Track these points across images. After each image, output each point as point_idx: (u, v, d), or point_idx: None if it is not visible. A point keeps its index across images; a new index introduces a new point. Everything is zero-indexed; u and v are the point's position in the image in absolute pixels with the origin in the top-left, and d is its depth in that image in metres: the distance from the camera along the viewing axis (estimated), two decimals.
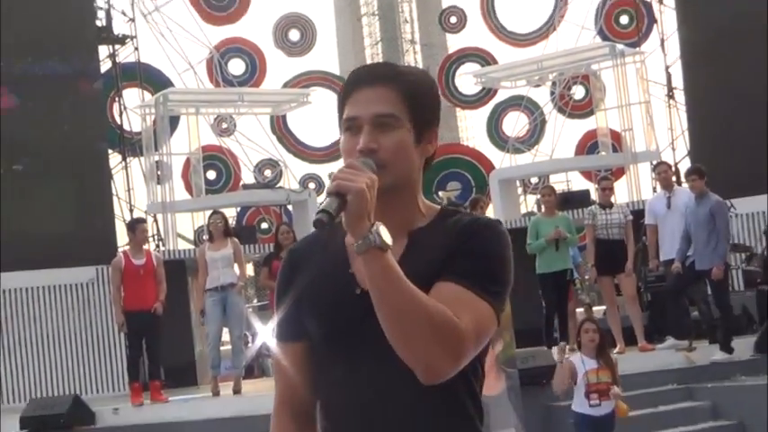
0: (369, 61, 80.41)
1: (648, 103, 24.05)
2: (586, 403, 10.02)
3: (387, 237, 2.64)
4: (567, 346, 13.75)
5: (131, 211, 24.76)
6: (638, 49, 24.94)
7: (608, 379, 10.02)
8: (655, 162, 20.62)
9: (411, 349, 2.69)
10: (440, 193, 26.97)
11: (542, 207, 15.51)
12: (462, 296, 2.75)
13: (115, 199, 23.17)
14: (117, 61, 25.54)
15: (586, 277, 18.02)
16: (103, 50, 24.43)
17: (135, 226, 15.08)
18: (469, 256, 2.81)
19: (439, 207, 3.02)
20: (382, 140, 2.84)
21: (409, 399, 2.82)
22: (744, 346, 13.58)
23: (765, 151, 17.51)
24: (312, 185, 27.55)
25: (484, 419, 2.92)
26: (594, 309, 30.13)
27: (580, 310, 18.24)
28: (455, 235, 2.86)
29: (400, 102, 2.87)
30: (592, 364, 10.05)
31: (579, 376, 10.04)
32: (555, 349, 14.11)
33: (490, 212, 19.72)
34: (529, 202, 27.79)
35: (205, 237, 17.35)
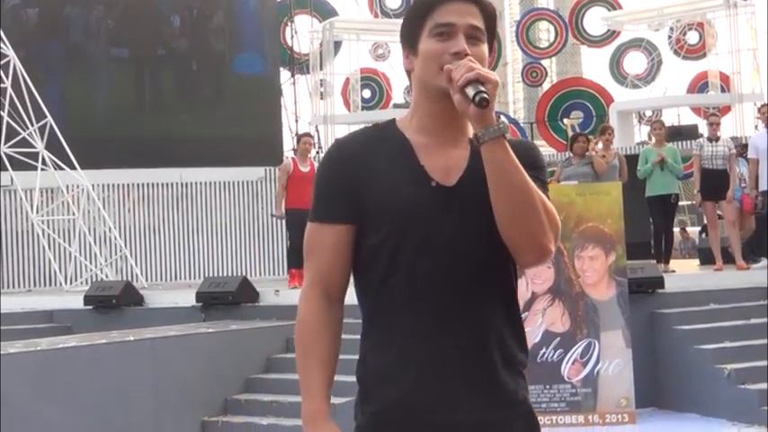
0: (507, 2, 79.77)
1: (756, 49, 23.63)
2: None
3: (507, 128, 2.57)
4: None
5: (297, 121, 24.96)
6: (749, 1, 24.38)
7: None
8: (759, 103, 20.17)
9: (530, 230, 2.61)
10: (564, 120, 26.68)
11: (652, 138, 15.22)
12: (541, 195, 2.67)
13: (283, 110, 23.28)
14: None
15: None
16: None
17: (300, 138, 15.16)
18: (533, 167, 2.72)
19: None
20: (473, 50, 2.70)
21: (478, 293, 2.70)
22: None
23: None
24: None
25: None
26: (690, 229, 29.71)
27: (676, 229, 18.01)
28: (514, 148, 2.65)
29: (483, 21, 2.77)
30: None
31: None
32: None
33: None
34: (642, 133, 27.40)
35: None
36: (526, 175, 2.59)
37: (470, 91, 2.55)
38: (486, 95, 2.53)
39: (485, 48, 2.76)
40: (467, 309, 2.70)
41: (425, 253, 2.69)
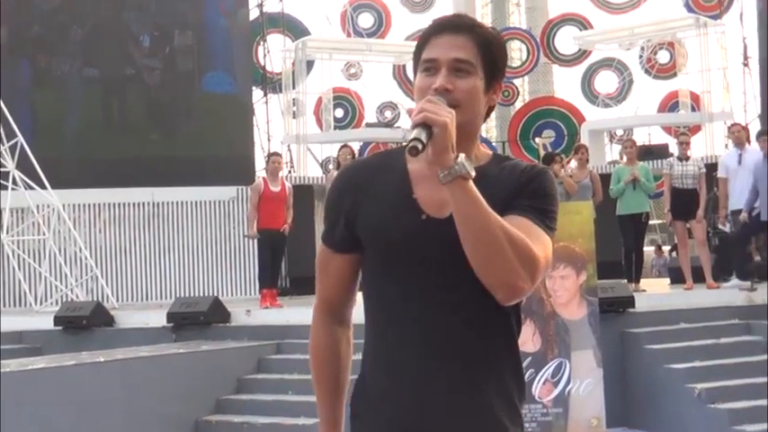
0: (479, 20, 79.67)
1: (726, 69, 23.78)
2: None
3: (470, 167, 2.53)
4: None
5: (269, 140, 24.86)
6: (719, 21, 24.57)
7: None
8: (729, 122, 20.32)
9: (495, 269, 2.58)
10: (536, 140, 26.73)
11: (624, 157, 15.30)
12: (531, 229, 2.66)
13: (255, 129, 23.22)
14: (264, 11, 25.63)
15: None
16: (252, 1, 24.50)
17: (269, 158, 15.18)
18: (533, 196, 2.73)
19: (492, 153, 2.89)
20: (457, 83, 2.73)
21: (464, 320, 2.70)
22: None
23: None
24: None
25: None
26: (665, 248, 29.83)
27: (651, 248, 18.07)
28: (517, 176, 2.76)
29: (477, 52, 2.77)
30: None
31: None
32: None
33: None
34: (614, 152, 27.50)
35: (331, 166, 17.31)
36: (492, 215, 2.56)
37: (411, 135, 2.53)
38: (416, 144, 2.50)
39: (474, 80, 2.76)
40: (453, 338, 2.71)
41: (412, 286, 2.73)
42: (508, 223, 2.60)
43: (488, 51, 2.79)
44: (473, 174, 2.55)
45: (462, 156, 2.53)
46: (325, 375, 2.95)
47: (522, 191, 2.72)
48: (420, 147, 2.49)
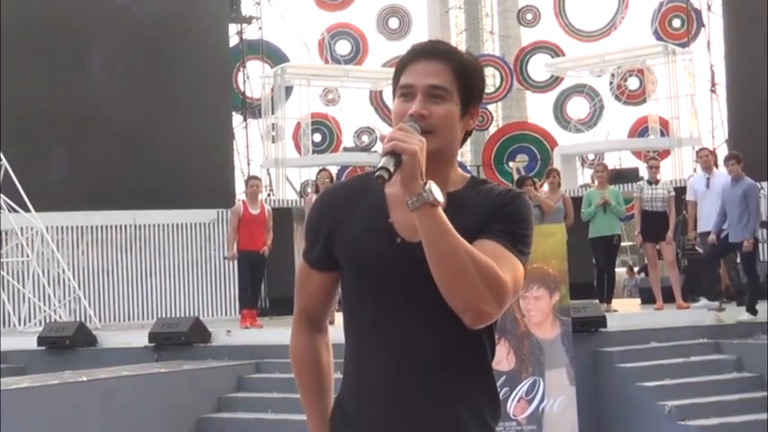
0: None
1: (694, 95, 23.97)
2: None
3: (438, 194, 2.55)
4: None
5: (249, 164, 24.99)
6: (687, 48, 24.82)
7: None
8: (697, 147, 20.49)
9: (461, 293, 2.58)
10: (510, 164, 26.88)
11: (595, 181, 15.40)
12: (501, 253, 2.65)
13: (236, 154, 23.28)
14: (243, 38, 25.79)
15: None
16: (232, 28, 24.60)
17: (247, 182, 15.24)
18: (507, 220, 2.72)
19: (469, 176, 2.90)
20: (433, 109, 2.73)
21: (436, 342, 2.73)
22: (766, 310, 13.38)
23: None
24: None
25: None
26: (637, 269, 29.96)
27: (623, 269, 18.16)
28: (492, 201, 2.75)
29: (452, 78, 2.77)
30: None
31: None
32: None
33: None
34: (585, 176, 27.64)
35: (309, 189, 17.35)
36: (458, 240, 2.57)
37: (380, 163, 2.56)
38: (382, 173, 2.53)
39: (449, 105, 2.77)
40: (426, 360, 2.74)
41: (387, 308, 2.76)
42: (479, 248, 2.61)
43: (464, 77, 2.79)
44: (441, 200, 2.56)
45: (431, 183, 2.55)
46: (308, 379, 2.97)
47: (496, 215, 2.72)
48: (386, 175, 2.53)
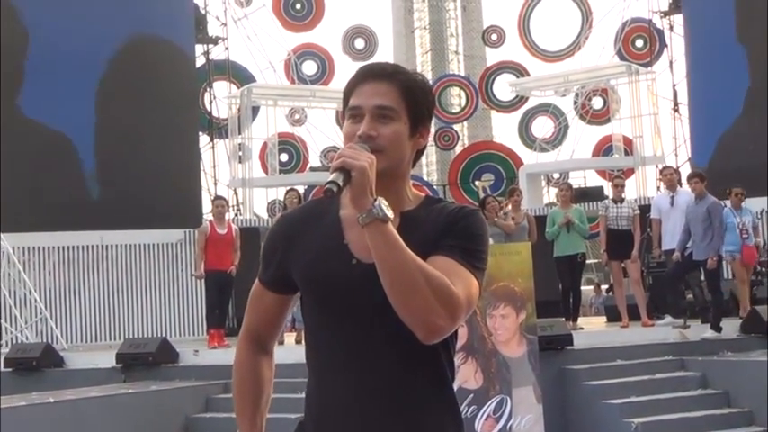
0: (419, 69, 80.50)
1: (657, 114, 24.16)
2: None
3: (388, 210, 2.54)
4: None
5: (215, 184, 24.95)
6: (650, 68, 25.06)
7: None
8: (661, 165, 20.61)
9: (413, 309, 2.56)
10: (476, 183, 26.96)
11: (559, 200, 15.45)
12: (455, 268, 2.64)
13: (202, 174, 23.23)
14: (210, 58, 25.76)
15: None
16: (199, 48, 24.56)
17: (213, 202, 15.24)
18: (459, 236, 2.71)
19: (424, 195, 2.89)
20: (381, 129, 2.73)
21: (394, 361, 2.72)
22: (730, 327, 13.45)
23: (760, 158, 17.52)
24: None
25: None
26: (604, 286, 30.10)
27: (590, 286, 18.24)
28: (444, 218, 2.74)
29: (400, 98, 2.77)
30: None
31: None
32: None
33: None
34: (551, 194, 27.78)
35: (277, 209, 17.31)
36: (409, 255, 2.56)
37: (329, 179, 2.56)
38: (331, 187, 2.54)
39: (397, 125, 2.76)
40: (384, 379, 2.72)
41: (343, 329, 2.74)
42: (432, 263, 2.60)
43: (411, 96, 2.79)
44: (391, 216, 2.55)
45: (380, 199, 2.55)
46: (247, 389, 2.96)
47: (449, 231, 2.71)
48: (335, 189, 2.53)
